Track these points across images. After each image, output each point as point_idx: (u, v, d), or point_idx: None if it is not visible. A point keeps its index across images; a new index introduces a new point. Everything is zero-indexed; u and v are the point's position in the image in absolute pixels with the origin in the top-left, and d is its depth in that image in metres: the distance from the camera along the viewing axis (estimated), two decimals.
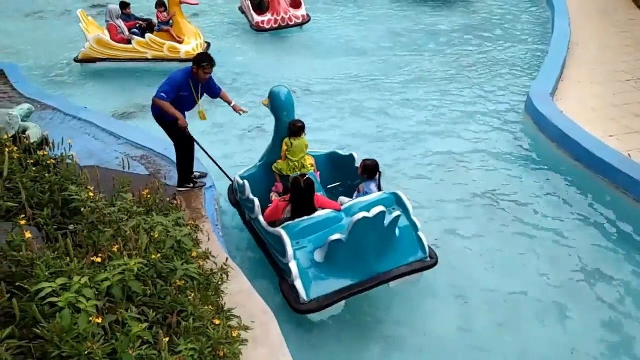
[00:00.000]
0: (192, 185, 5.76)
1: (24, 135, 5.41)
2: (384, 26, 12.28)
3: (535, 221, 5.56)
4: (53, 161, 3.63)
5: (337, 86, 8.97)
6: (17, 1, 14.48)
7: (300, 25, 11.48)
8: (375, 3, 14.49)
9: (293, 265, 4.04)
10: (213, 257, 3.35)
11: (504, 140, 7.17)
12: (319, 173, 5.35)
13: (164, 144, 6.49)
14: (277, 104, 5.13)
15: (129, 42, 9.46)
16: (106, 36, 9.40)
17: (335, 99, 8.52)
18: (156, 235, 2.60)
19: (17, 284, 2.11)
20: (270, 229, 4.40)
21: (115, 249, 2.31)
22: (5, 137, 4.04)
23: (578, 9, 12.05)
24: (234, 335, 2.55)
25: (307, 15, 11.61)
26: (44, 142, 5.94)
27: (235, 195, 5.36)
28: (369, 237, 4.05)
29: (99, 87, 9.25)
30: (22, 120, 6.12)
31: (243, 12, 12.08)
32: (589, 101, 7.59)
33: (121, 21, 9.68)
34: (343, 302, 4.17)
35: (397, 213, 4.17)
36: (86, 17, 9.76)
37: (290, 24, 11.32)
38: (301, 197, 4.37)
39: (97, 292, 1.97)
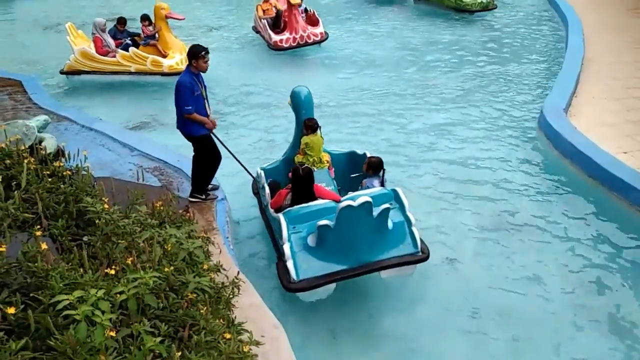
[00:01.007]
0: (204, 196, 5.79)
1: (40, 146, 5.50)
2: (396, 40, 12.34)
3: (548, 237, 5.50)
4: (69, 172, 3.67)
5: (350, 100, 9.00)
6: (35, 14, 14.80)
7: (319, 42, 11.41)
8: (387, 17, 14.60)
9: (286, 247, 4.36)
10: (224, 269, 3.35)
11: (516, 156, 7.13)
12: (332, 169, 5.66)
13: (177, 156, 6.57)
14: (297, 103, 5.65)
15: (114, 55, 9.57)
16: (92, 49, 9.51)
17: (349, 112, 8.54)
18: (169, 248, 2.61)
19: (32, 294, 2.13)
20: (274, 214, 4.77)
21: (129, 261, 2.32)
22: (23, 148, 4.10)
23: (592, 25, 12.02)
24: (245, 350, 2.54)
25: (325, 32, 11.54)
26: (59, 152, 6.04)
27: (256, 185, 5.79)
28: (356, 226, 4.24)
29: (113, 98, 9.37)
30: (39, 131, 6.22)
31: (257, 32, 12.03)
32: (603, 117, 7.53)
33: (107, 34, 9.80)
34: (332, 286, 4.41)
35: (385, 205, 4.32)
36: (75, 30, 9.96)
37: (309, 41, 11.23)
38: (300, 185, 4.70)
39: (111, 305, 1.98)
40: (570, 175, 6.56)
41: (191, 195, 5.77)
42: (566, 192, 6.27)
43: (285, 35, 11.07)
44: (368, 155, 5.49)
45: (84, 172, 3.94)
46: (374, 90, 9.45)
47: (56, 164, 3.93)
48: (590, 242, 5.41)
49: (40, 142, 6.08)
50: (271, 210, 4.92)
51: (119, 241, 2.61)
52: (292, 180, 4.80)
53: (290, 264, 4.31)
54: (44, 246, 2.26)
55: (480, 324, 4.49)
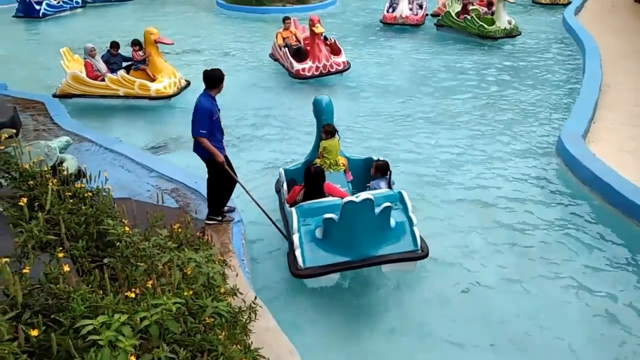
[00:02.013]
0: (220, 218, 5.81)
1: (62, 167, 5.61)
2: (415, 66, 12.49)
3: (567, 265, 5.40)
4: (90, 194, 3.73)
5: (367, 125, 9.03)
6: (59, 38, 15.23)
7: (341, 72, 11.30)
8: (407, 43, 14.78)
9: (295, 237, 4.81)
10: (240, 293, 3.35)
11: (534, 182, 7.07)
12: (349, 173, 6.13)
13: (194, 177, 6.63)
14: (318, 109, 6.19)
15: (103, 79, 9.79)
16: (83, 73, 9.75)
17: (365, 136, 8.56)
18: (189, 272, 2.62)
19: (52, 316, 2.14)
20: (288, 208, 5.26)
21: (149, 284, 2.33)
22: (45, 169, 4.18)
23: (610, 51, 12.02)
24: None
25: (347, 62, 11.46)
26: (79, 173, 6.15)
27: (278, 184, 6.31)
28: (359, 221, 4.62)
29: (133, 120, 9.54)
30: (60, 152, 6.36)
31: (276, 60, 12.01)
32: (622, 144, 7.46)
33: (99, 59, 10.05)
34: (336, 275, 4.84)
35: (386, 204, 4.66)
36: (70, 55, 10.24)
37: (332, 71, 11.13)
38: (311, 182, 5.16)
39: (131, 328, 1.99)
40: (590, 202, 6.47)
41: (208, 218, 5.80)
42: (585, 219, 6.17)
43: (308, 64, 10.98)
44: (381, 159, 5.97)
45: (104, 194, 4.00)
46: (392, 115, 9.48)
47: (77, 185, 3.99)
48: (609, 270, 5.30)
49: (62, 162, 6.22)
50: (287, 205, 5.43)
51: (139, 264, 2.62)
52: (304, 178, 5.27)
53: (298, 253, 4.73)
54: (66, 268, 2.29)
55: (494, 352, 4.39)
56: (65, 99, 9.89)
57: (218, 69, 5.47)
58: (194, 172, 6.72)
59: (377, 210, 4.60)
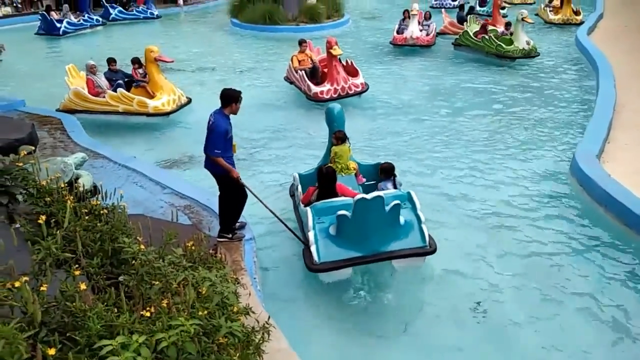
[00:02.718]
0: (230, 235, 5.82)
1: (77, 183, 5.68)
2: (430, 85, 12.50)
3: (581, 287, 5.31)
4: (105, 211, 3.77)
5: (380, 144, 9.04)
6: (79, 55, 15.52)
7: (359, 94, 11.11)
8: (414, 61, 14.86)
9: (311, 234, 5.09)
10: (253, 312, 3.34)
11: (548, 201, 7.00)
12: (360, 176, 6.48)
13: (207, 194, 6.66)
14: (330, 117, 6.57)
15: (104, 95, 9.97)
16: (85, 90, 9.97)
17: (380, 156, 8.55)
18: (203, 291, 2.62)
19: (68, 334, 2.16)
20: (303, 208, 5.56)
21: (164, 303, 2.34)
22: (62, 185, 4.24)
23: (624, 71, 11.97)
24: None
25: (365, 83, 11.28)
26: (95, 189, 6.22)
27: (292, 188, 6.70)
28: (370, 217, 4.91)
29: (148, 137, 9.65)
30: (76, 168, 6.44)
31: (291, 82, 11.91)
32: (637, 164, 7.38)
33: (100, 75, 10.24)
34: (349, 270, 5.10)
35: (396, 202, 4.99)
36: (75, 72, 10.48)
37: (350, 92, 10.93)
38: (323, 183, 5.48)
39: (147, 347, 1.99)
40: (605, 222, 6.39)
41: (219, 235, 5.81)
42: (601, 240, 6.08)
43: (326, 86, 10.80)
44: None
45: (119, 210, 4.04)
46: (401, 133, 9.50)
47: (93, 202, 4.04)
48: (625, 292, 5.20)
49: (77, 178, 6.30)
50: (302, 206, 5.74)
51: (154, 282, 2.64)
52: (317, 179, 5.59)
53: (313, 249, 5.01)
54: (82, 286, 2.31)
55: None
56: (80, 115, 10.08)
57: (235, 89, 5.55)
58: (206, 189, 6.76)
59: (387, 207, 4.93)
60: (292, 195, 6.65)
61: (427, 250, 5.20)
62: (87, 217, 3.70)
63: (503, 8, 21.41)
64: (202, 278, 2.67)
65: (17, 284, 2.04)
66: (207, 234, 5.59)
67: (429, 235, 5.25)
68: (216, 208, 6.00)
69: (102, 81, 10.26)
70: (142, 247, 2.85)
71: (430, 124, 9.96)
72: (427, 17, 16.27)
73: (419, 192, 7.05)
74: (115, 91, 9.90)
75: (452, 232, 6.32)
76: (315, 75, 11.34)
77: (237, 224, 5.94)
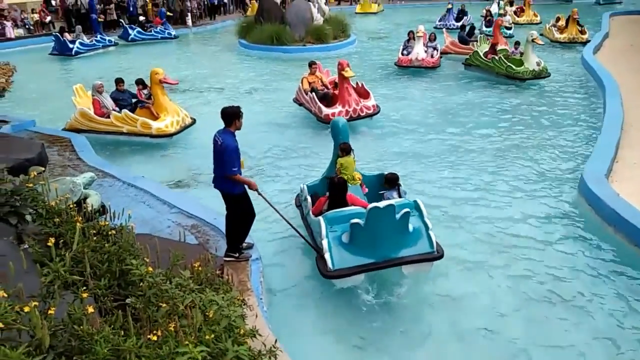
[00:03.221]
0: (237, 255, 5.81)
1: (85, 204, 5.72)
2: (431, 105, 12.53)
3: (591, 310, 5.23)
4: (113, 232, 3.78)
5: (389, 166, 9.02)
6: (90, 75, 15.75)
7: (371, 115, 10.93)
8: (421, 82, 14.93)
9: (324, 242, 5.28)
10: (260, 335, 3.32)
11: (556, 221, 6.95)
12: (364, 185, 6.70)
13: (214, 214, 6.67)
14: (335, 130, 6.84)
15: (109, 116, 10.08)
16: (91, 110, 10.11)
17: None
18: (211, 315, 2.61)
19: (75, 358, 2.15)
20: (315, 218, 5.76)
21: (171, 327, 2.33)
22: (71, 206, 4.27)
23: (629, 90, 11.97)
24: None
25: (377, 105, 11.10)
26: (103, 209, 6.25)
27: (299, 199, 6.98)
28: (382, 225, 5.12)
29: (156, 157, 9.72)
30: (84, 188, 6.48)
31: (301, 104, 11.76)
32: None
33: (107, 96, 10.37)
34: (362, 276, 5.28)
35: (406, 210, 5.21)
36: (83, 91, 10.62)
37: (362, 114, 10.73)
38: (335, 192, 5.74)
39: None
40: (615, 243, 6.32)
41: (226, 254, 5.80)
42: (611, 261, 6.01)
43: (338, 108, 10.59)
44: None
45: (127, 230, 4.06)
46: (415, 154, 9.48)
47: (101, 222, 4.06)
48: (636, 315, 5.12)
49: (86, 198, 6.33)
50: (311, 216, 5.99)
51: (161, 304, 2.63)
52: (328, 189, 5.86)
53: (327, 256, 5.20)
54: (90, 309, 2.30)
55: None
56: (86, 134, 10.22)
57: (234, 106, 5.54)
58: (213, 208, 6.76)
59: (398, 215, 5.15)
60: (299, 205, 6.90)
61: (435, 255, 5.40)
62: (95, 238, 3.72)
63: (509, 28, 21.58)
64: (209, 301, 2.66)
65: (26, 309, 2.04)
66: (213, 253, 5.58)
67: (436, 242, 5.45)
68: (223, 227, 6.00)
69: (108, 101, 10.38)
70: (150, 269, 2.85)
71: (438, 144, 9.96)
72: (432, 38, 16.27)
73: (429, 212, 7.12)
74: (121, 112, 10.03)
75: (460, 252, 6.28)
76: (326, 98, 11.20)
77: (244, 244, 5.93)
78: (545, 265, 6.00)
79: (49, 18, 24.70)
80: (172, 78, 10.71)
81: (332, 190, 5.75)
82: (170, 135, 10.02)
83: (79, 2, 24.63)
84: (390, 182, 6.39)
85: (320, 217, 5.52)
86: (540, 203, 7.48)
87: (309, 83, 11.57)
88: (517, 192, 7.84)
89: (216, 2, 31.06)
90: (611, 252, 6.18)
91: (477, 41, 17.37)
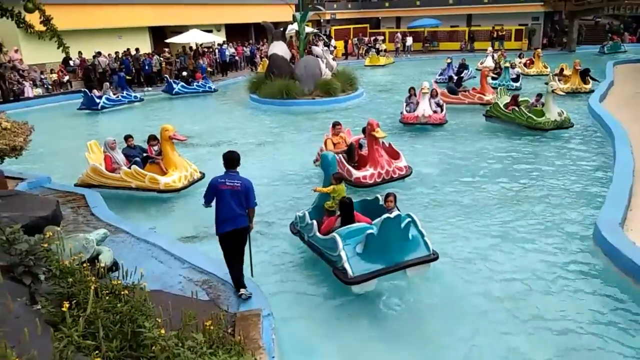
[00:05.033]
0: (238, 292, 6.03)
1: (98, 261, 5.74)
2: (443, 156, 12.59)
3: None
4: (126, 291, 3.78)
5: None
6: (113, 129, 16.14)
7: (404, 177, 10.33)
8: (430, 136, 15.05)
9: (342, 254, 6.14)
10: None
11: (573, 272, 6.82)
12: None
13: (225, 269, 6.63)
14: (325, 163, 7.79)
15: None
16: (102, 166, 10.38)
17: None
18: None
19: None
20: (326, 237, 6.58)
21: None
22: (84, 264, 4.29)
23: (638, 137, 11.98)
24: None
25: (409, 166, 10.56)
26: (115, 265, 6.27)
27: (295, 227, 7.64)
28: (391, 234, 6.14)
29: (164, 210, 9.81)
30: (97, 244, 6.52)
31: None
32: None
33: (119, 151, 10.65)
34: (375, 281, 6.15)
35: (409, 219, 6.28)
36: (97, 147, 10.92)
37: (395, 176, 10.17)
38: (346, 212, 6.74)
39: None
40: (634, 294, 6.17)
41: (241, 293, 6.03)
42: (632, 314, 5.84)
43: (369, 171, 10.01)
44: (380, 197, 7.47)
45: (140, 288, 4.05)
46: (430, 204, 9.50)
47: (114, 282, 4.07)
48: None
49: (98, 254, 6.35)
50: (320, 235, 6.76)
51: None
52: (340, 209, 6.84)
53: (347, 266, 6.06)
54: None
55: None
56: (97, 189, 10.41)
57: (231, 150, 6.38)
58: (223, 263, 6.71)
59: (402, 224, 6.16)
60: (296, 232, 7.55)
61: (432, 257, 6.47)
62: (107, 298, 3.72)
63: (516, 80, 21.83)
64: None
65: None
66: (225, 310, 5.51)
67: (431, 246, 6.44)
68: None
69: (120, 157, 10.64)
70: (162, 331, 2.83)
71: (452, 195, 9.92)
72: (434, 94, 15.77)
73: (443, 261, 7.06)
74: (131, 168, 10.25)
75: (475, 300, 6.18)
76: (352, 156, 10.63)
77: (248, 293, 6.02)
78: (560, 318, 5.85)
79: (66, 77, 25.61)
80: (181, 134, 10.96)
81: (344, 210, 6.74)
82: (178, 190, 10.16)
83: (97, 61, 25.64)
84: (389, 202, 7.06)
85: (335, 234, 6.35)
86: (555, 252, 7.38)
87: (334, 144, 10.97)
88: (531, 241, 7.76)
89: (228, 60, 32.11)
90: (631, 304, 6.02)
91: (466, 91, 17.79)
